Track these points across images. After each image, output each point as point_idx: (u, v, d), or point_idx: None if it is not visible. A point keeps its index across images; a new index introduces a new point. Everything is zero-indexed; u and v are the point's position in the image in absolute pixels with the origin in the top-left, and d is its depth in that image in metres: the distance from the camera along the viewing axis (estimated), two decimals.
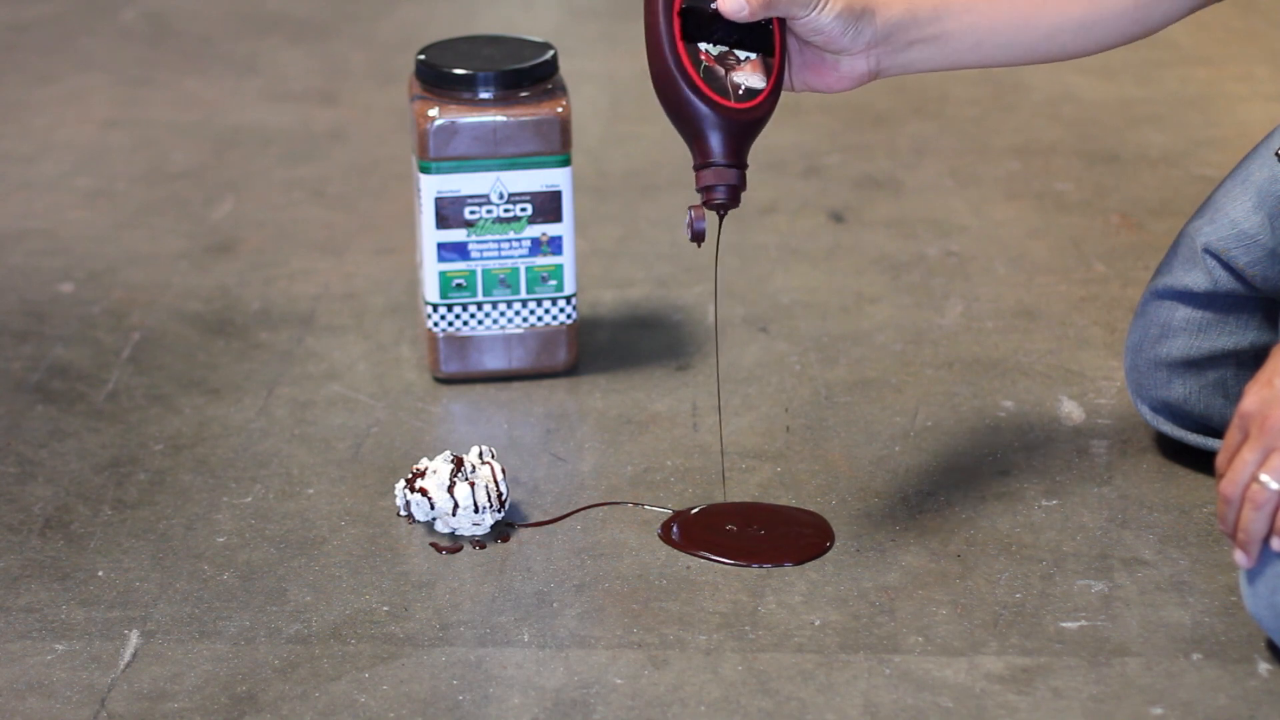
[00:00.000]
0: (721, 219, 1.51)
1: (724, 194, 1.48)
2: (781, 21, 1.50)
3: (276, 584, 1.53)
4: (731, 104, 1.47)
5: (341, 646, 1.45)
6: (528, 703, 1.39)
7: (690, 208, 1.50)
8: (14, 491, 1.67)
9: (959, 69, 1.54)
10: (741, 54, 1.49)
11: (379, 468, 1.70)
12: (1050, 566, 1.53)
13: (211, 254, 2.15)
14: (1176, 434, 1.67)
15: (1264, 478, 1.35)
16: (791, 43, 1.52)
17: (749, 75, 1.49)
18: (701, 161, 1.48)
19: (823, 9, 1.48)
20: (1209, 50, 2.82)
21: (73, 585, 1.53)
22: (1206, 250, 1.61)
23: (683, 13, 1.48)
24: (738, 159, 1.48)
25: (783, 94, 1.52)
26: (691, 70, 1.47)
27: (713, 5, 1.48)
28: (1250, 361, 1.62)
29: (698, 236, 1.50)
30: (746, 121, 1.48)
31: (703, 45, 1.48)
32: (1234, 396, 1.63)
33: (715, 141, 1.48)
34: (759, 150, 2.49)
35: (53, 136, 2.52)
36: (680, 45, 1.48)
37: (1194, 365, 1.64)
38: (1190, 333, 1.63)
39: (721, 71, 1.48)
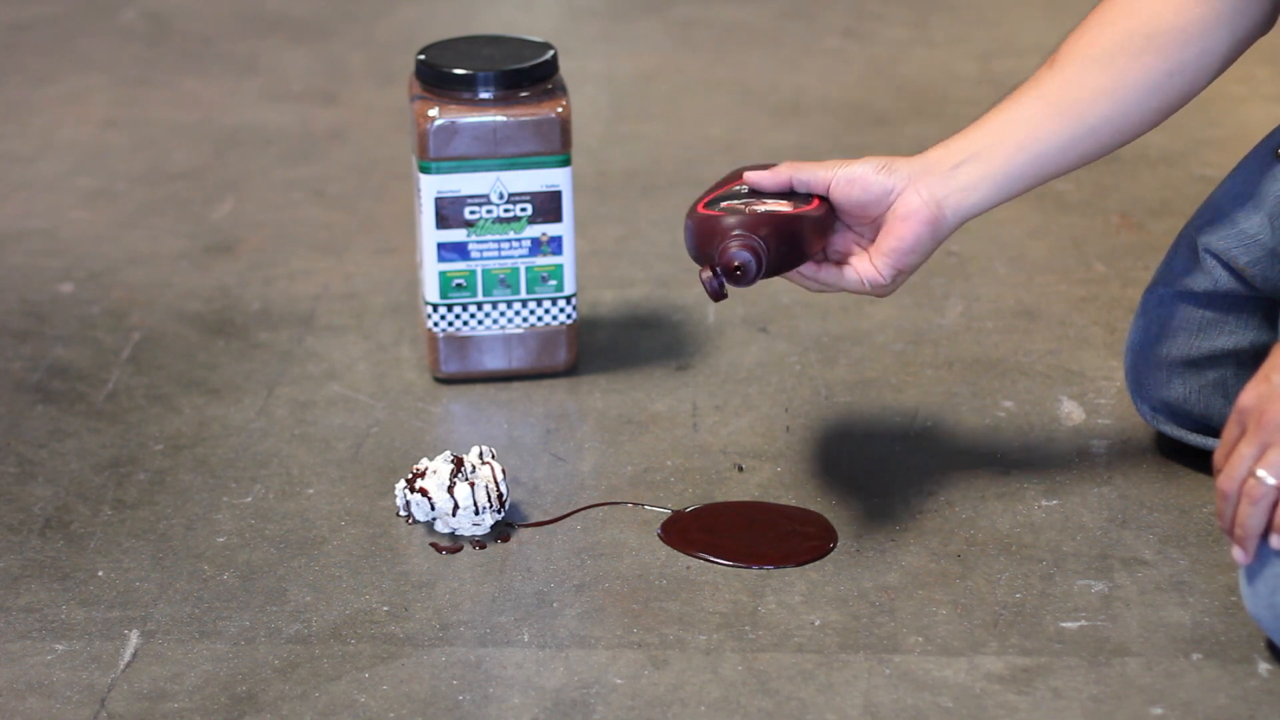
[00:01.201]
0: (739, 281, 1.48)
1: (736, 247, 1.46)
2: (826, 205, 1.52)
3: (276, 584, 1.53)
4: (745, 212, 1.49)
5: (341, 646, 1.45)
6: (528, 703, 1.39)
7: (700, 271, 1.49)
8: (14, 491, 1.67)
9: (1026, 186, 1.52)
10: (771, 201, 1.51)
11: (379, 468, 1.70)
12: (1050, 566, 1.53)
13: (211, 254, 2.15)
14: (1176, 434, 1.67)
15: (1261, 473, 1.35)
16: (853, 238, 1.53)
17: (774, 204, 1.50)
18: (717, 247, 1.48)
19: (847, 165, 1.51)
20: None
21: (73, 585, 1.53)
22: (1207, 250, 1.61)
23: (710, 204, 1.51)
24: (749, 232, 1.47)
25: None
26: (704, 207, 1.51)
27: (744, 191, 1.52)
28: (1250, 361, 1.62)
29: (715, 295, 1.48)
30: (756, 216, 1.48)
31: (725, 202, 1.51)
32: (1233, 396, 1.63)
33: (723, 227, 1.48)
34: (759, 150, 2.49)
35: (53, 136, 2.52)
36: (701, 205, 1.52)
37: (1194, 365, 1.64)
38: (1190, 332, 1.63)
39: (743, 205, 1.50)
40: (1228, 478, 1.37)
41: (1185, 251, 1.63)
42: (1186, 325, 1.63)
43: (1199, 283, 1.62)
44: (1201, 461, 1.66)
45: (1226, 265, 1.61)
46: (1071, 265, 2.09)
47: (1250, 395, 1.37)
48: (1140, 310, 1.67)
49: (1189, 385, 1.64)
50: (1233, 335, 1.63)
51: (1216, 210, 1.61)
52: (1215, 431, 1.65)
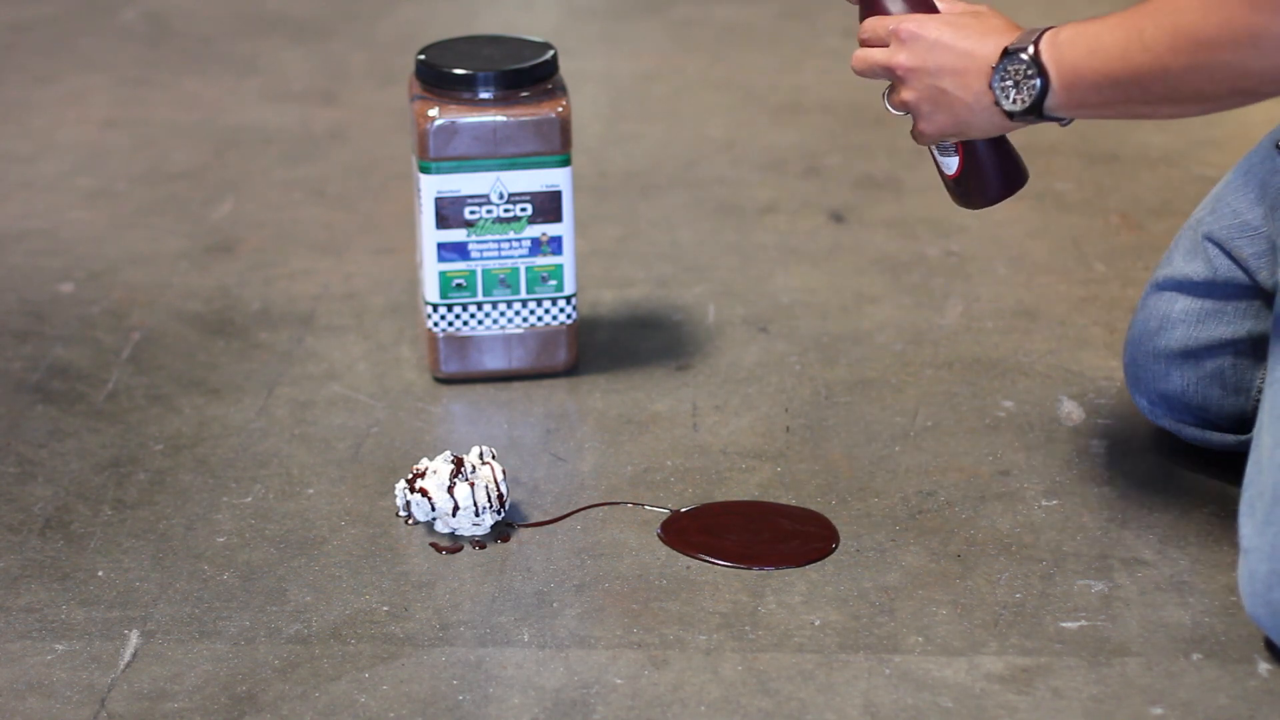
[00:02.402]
0: None
1: None
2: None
3: (276, 584, 1.53)
4: None
5: (341, 646, 1.45)
6: (528, 703, 1.39)
7: None
8: (14, 491, 1.67)
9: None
10: None
11: (379, 468, 1.70)
12: (1050, 566, 1.53)
13: (211, 254, 2.15)
14: (1174, 427, 1.67)
15: (886, 104, 1.55)
16: None
17: None
18: None
19: None
20: None
21: (73, 585, 1.53)
22: (1209, 239, 1.61)
23: None
24: None
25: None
26: None
27: None
28: (1248, 351, 1.62)
29: None
30: None
31: None
32: (1231, 387, 1.63)
33: None
34: (759, 150, 2.48)
35: (53, 136, 2.52)
36: None
37: (1192, 356, 1.64)
38: (1189, 323, 1.63)
39: None
40: (863, 59, 1.53)
41: (1187, 242, 1.63)
42: (1186, 316, 1.63)
43: (1199, 271, 1.62)
44: (1202, 461, 1.66)
45: (1228, 254, 1.61)
46: (1071, 265, 2.09)
47: (913, 26, 1.48)
48: (1140, 304, 1.67)
49: (1187, 377, 1.65)
50: (1231, 324, 1.63)
51: (1219, 201, 1.62)
52: (1213, 424, 1.65)
